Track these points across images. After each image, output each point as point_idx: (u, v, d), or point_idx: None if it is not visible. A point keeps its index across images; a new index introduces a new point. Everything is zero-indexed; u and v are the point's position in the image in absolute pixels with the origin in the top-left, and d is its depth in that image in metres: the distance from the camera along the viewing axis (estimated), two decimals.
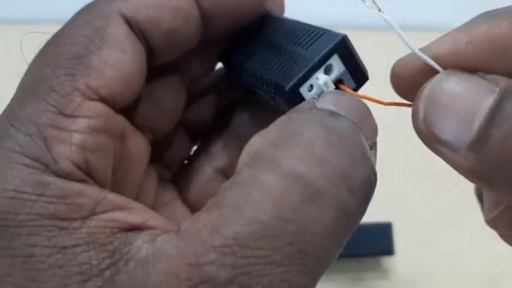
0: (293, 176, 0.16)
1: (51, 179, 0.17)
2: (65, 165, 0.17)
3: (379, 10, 0.20)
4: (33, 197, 0.16)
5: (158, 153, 0.24)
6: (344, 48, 0.19)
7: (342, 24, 0.61)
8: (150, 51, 0.21)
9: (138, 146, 0.22)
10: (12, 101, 0.19)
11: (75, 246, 0.16)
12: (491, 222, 0.24)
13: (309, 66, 0.19)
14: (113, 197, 0.17)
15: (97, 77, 0.18)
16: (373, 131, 0.19)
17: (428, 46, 0.20)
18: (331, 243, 0.16)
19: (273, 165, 0.16)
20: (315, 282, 0.16)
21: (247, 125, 0.25)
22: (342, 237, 0.17)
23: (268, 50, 0.21)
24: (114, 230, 0.17)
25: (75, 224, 0.16)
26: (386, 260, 0.44)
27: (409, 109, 0.19)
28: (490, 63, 0.18)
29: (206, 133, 0.26)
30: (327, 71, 0.19)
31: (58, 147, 0.17)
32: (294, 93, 0.19)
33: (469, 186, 0.45)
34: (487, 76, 0.18)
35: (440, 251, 0.46)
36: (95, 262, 0.16)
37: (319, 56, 0.19)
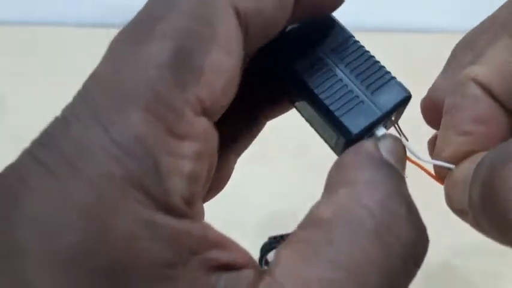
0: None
1: (162, 218, 0.14)
2: (176, 200, 0.15)
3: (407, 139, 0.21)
4: (146, 244, 0.14)
5: None
6: (404, 104, 0.21)
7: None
8: (247, 46, 0.18)
9: (223, 165, 0.20)
10: (98, 93, 0.15)
11: None
12: None
13: (376, 118, 0.20)
14: (212, 234, 0.15)
15: (206, 86, 0.15)
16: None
17: (470, 68, 0.21)
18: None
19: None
20: None
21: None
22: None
23: (330, 70, 0.21)
24: (210, 271, 0.15)
25: (180, 269, 0.14)
26: None
27: None
28: None
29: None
30: (386, 126, 0.21)
31: (171, 180, 0.14)
32: (357, 138, 0.20)
33: None
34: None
35: (439, 249, 0.46)
36: None
37: (386, 111, 0.20)
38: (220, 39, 0.16)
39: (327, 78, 0.21)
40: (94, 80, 0.15)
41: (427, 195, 0.49)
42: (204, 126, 0.16)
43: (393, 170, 0.18)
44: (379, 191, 0.17)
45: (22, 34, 0.62)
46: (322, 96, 0.20)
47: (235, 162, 0.24)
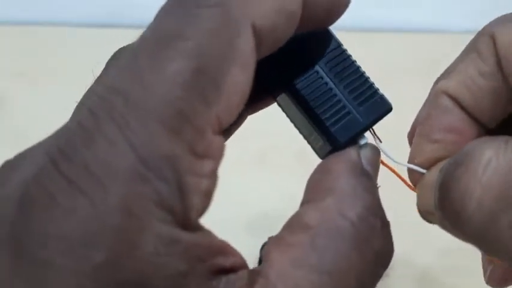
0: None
1: (180, 234, 0.15)
2: (193, 216, 0.16)
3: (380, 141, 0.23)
4: (166, 258, 0.15)
5: None
6: (386, 114, 0.22)
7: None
8: None
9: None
10: (123, 109, 0.15)
11: None
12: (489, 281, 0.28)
13: (361, 128, 0.22)
14: (216, 242, 0.16)
15: (225, 105, 0.16)
16: None
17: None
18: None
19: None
20: None
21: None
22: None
23: (321, 79, 0.22)
24: (213, 275, 0.16)
25: (190, 278, 0.15)
26: None
27: None
28: None
29: None
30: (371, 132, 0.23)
31: (191, 198, 0.15)
32: (344, 146, 0.21)
33: None
34: None
35: (439, 249, 0.46)
36: None
37: (371, 121, 0.22)
38: (239, 58, 0.16)
39: (318, 87, 0.22)
40: (118, 93, 0.15)
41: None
42: (220, 144, 0.16)
43: (371, 182, 0.20)
44: (360, 204, 0.19)
45: (22, 34, 0.62)
46: (312, 104, 0.21)
47: None
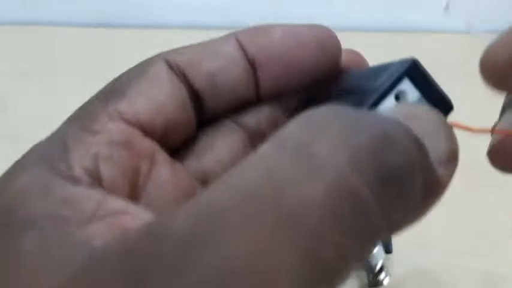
0: (287, 141, 0.16)
1: (61, 182, 0.18)
2: (77, 171, 0.18)
3: None
4: (37, 197, 0.17)
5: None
6: (416, 73, 0.19)
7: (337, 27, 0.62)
8: (196, 92, 0.22)
9: (175, 177, 0.22)
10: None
11: (68, 246, 0.16)
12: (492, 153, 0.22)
13: (378, 93, 0.19)
14: (114, 202, 0.18)
15: (127, 103, 0.20)
16: (444, 150, 0.17)
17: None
18: (325, 216, 0.15)
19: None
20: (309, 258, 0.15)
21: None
22: (341, 216, 0.15)
23: (337, 98, 0.21)
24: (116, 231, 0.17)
25: (74, 226, 0.17)
26: (384, 259, 0.44)
27: None
28: None
29: None
30: (399, 99, 0.19)
31: (74, 155, 0.18)
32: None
33: (469, 185, 0.45)
34: None
35: (438, 249, 0.46)
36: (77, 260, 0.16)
37: (388, 82, 0.19)
38: (149, 77, 0.21)
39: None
40: None
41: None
42: (122, 128, 0.20)
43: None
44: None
45: (22, 34, 0.62)
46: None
47: None
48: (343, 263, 0.15)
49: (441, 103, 0.19)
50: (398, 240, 0.44)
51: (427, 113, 0.18)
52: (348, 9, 0.63)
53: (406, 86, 0.19)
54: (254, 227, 0.14)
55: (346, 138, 0.15)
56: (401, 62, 0.19)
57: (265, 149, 0.16)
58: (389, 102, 0.18)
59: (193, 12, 0.66)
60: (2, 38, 0.61)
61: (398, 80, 0.19)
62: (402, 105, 0.18)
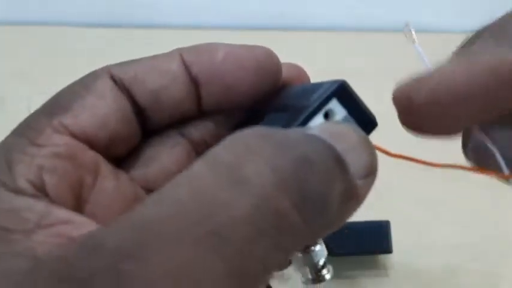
0: (217, 161, 0.17)
1: (5, 194, 0.18)
2: (21, 182, 0.19)
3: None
4: None
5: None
6: (344, 93, 0.20)
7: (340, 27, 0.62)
8: (140, 108, 0.22)
9: (119, 187, 0.22)
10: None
11: (12, 255, 0.17)
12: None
13: (308, 112, 0.20)
14: (58, 212, 0.18)
15: (71, 116, 0.21)
16: (364, 165, 0.19)
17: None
18: (251, 232, 0.16)
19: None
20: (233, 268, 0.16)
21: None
22: (266, 232, 0.16)
23: (273, 114, 0.22)
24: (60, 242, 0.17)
25: (18, 236, 0.17)
26: (384, 259, 0.45)
27: None
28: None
29: None
30: (328, 117, 0.20)
31: (18, 168, 0.19)
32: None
33: (469, 184, 0.45)
34: None
35: (438, 249, 0.46)
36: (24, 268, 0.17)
37: (318, 102, 0.20)
38: (93, 91, 0.21)
39: (267, 122, 0.22)
40: None
41: (425, 193, 0.49)
42: (66, 141, 0.20)
43: None
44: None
45: (22, 34, 0.62)
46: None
47: None
48: (268, 274, 0.17)
49: (366, 121, 0.21)
50: (398, 240, 0.44)
51: (351, 131, 0.19)
52: (348, 8, 0.63)
53: (334, 105, 0.20)
54: (181, 241, 0.15)
55: (272, 161, 0.17)
56: (332, 82, 0.21)
57: (197, 167, 0.17)
58: (318, 120, 0.20)
59: (197, 13, 0.66)
60: (2, 38, 0.61)
61: (327, 100, 0.20)
62: (329, 124, 0.20)
